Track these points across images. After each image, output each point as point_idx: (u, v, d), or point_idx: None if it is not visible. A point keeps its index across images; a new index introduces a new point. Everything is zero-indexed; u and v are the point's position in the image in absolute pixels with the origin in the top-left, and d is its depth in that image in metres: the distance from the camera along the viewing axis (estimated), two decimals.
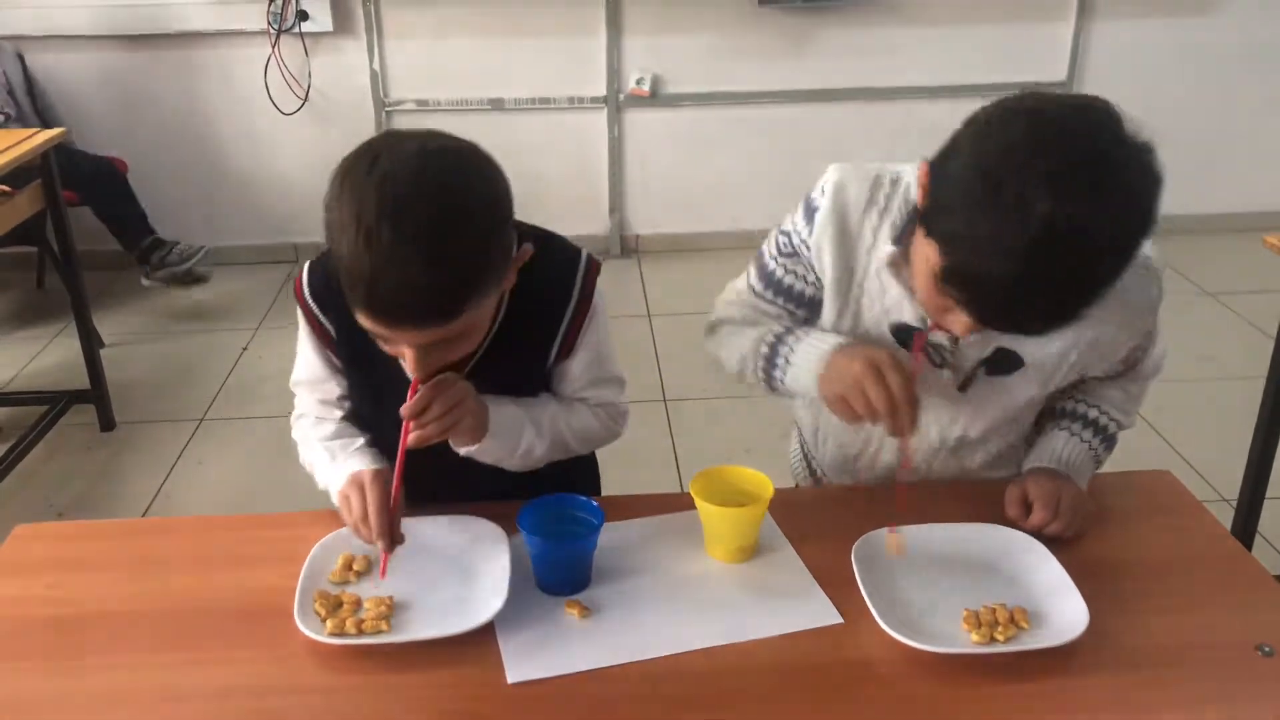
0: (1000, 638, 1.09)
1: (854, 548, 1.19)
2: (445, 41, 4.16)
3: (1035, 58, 4.27)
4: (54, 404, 3.12)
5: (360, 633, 1.11)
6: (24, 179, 2.93)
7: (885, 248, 1.24)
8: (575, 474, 1.42)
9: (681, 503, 1.29)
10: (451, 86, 4.22)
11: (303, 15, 4.03)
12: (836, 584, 1.17)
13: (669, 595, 1.18)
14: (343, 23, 4.10)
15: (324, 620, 1.12)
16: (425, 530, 1.26)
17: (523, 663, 1.08)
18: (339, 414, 1.35)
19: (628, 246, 4.50)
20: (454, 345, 1.12)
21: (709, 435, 3.07)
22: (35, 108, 3.87)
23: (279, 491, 1.53)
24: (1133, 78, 4.29)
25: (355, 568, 1.21)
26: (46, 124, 3.67)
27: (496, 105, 4.25)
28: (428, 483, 1.25)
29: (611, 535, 1.23)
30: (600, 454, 1.49)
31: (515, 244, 1.15)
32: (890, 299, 1.27)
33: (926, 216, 1.08)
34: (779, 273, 1.35)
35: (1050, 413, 1.41)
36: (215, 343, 3.74)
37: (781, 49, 4.22)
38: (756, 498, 1.24)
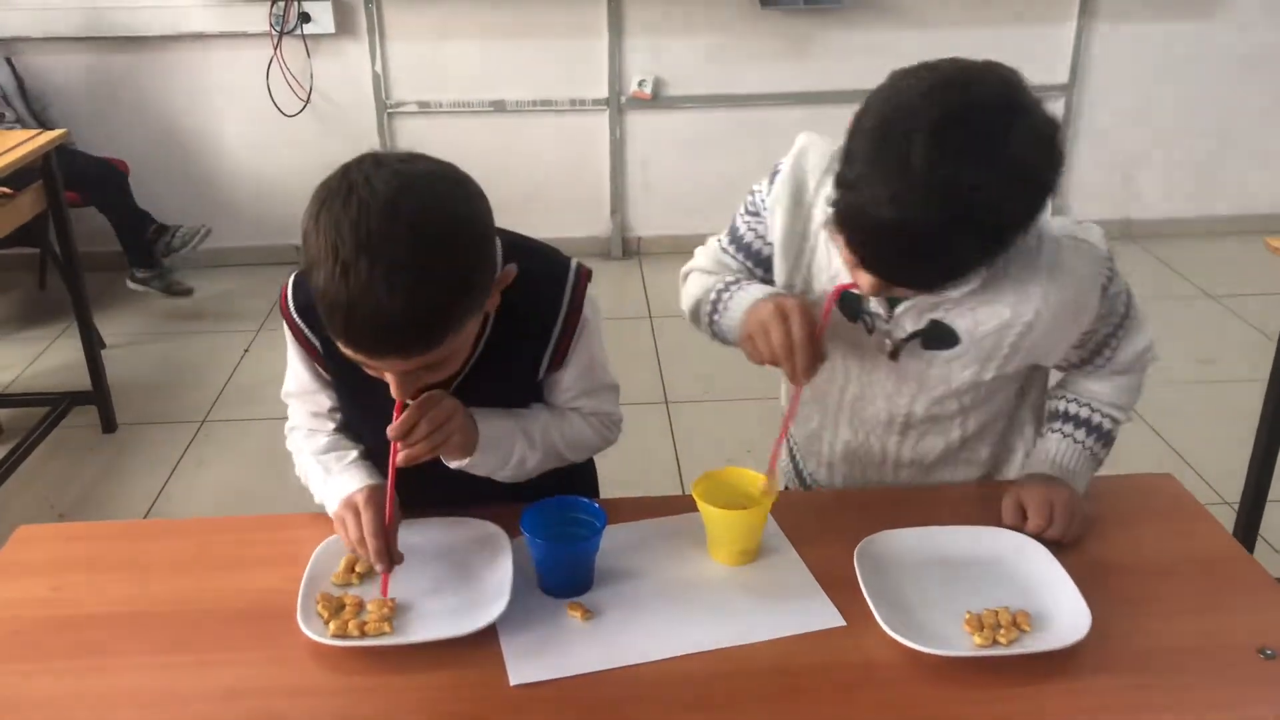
0: (1002, 640, 1.09)
1: (856, 550, 1.18)
2: (447, 43, 4.16)
3: (1037, 60, 4.26)
4: (55, 405, 3.12)
5: (363, 634, 1.11)
6: (26, 180, 2.94)
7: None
8: (572, 478, 1.41)
9: (683, 505, 1.29)
10: (453, 88, 4.23)
11: (305, 17, 4.04)
12: (839, 587, 1.17)
13: (671, 598, 1.18)
14: (345, 25, 4.11)
15: (326, 622, 1.12)
16: (428, 533, 1.26)
17: (525, 665, 1.08)
18: (331, 426, 1.35)
19: (629, 248, 4.51)
20: (437, 369, 1.12)
21: (710, 437, 3.07)
22: (30, 110, 3.87)
23: (280, 493, 1.52)
24: (1134, 81, 4.29)
25: (358, 570, 1.21)
26: (43, 126, 3.67)
27: (498, 107, 4.25)
28: (428, 490, 1.25)
29: (614, 538, 1.23)
30: (600, 457, 1.49)
31: (499, 262, 1.14)
32: (837, 264, 1.28)
33: (838, 168, 1.11)
34: (742, 229, 1.41)
35: (1047, 416, 1.41)
36: (216, 344, 3.74)
37: (783, 51, 4.23)
38: (759, 500, 1.24)
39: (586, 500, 1.23)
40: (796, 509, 1.32)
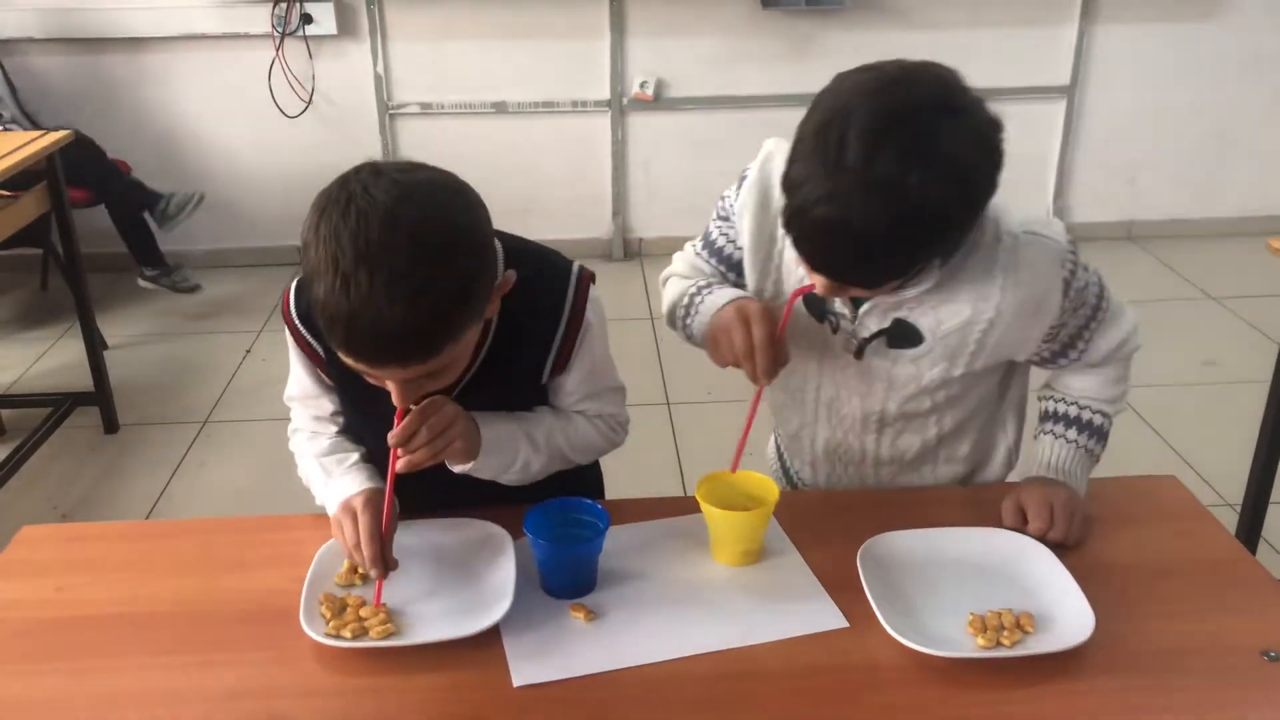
0: (1006, 642, 1.09)
1: (860, 552, 1.19)
2: (449, 45, 4.17)
3: (1038, 62, 4.27)
4: (58, 406, 3.13)
5: (366, 635, 1.11)
6: (29, 182, 2.94)
7: None
8: (578, 479, 1.41)
9: (686, 506, 1.29)
10: (455, 90, 4.23)
11: (307, 18, 4.04)
12: (842, 588, 1.17)
13: (674, 599, 1.18)
14: (347, 26, 4.11)
15: (329, 623, 1.12)
16: (431, 534, 1.26)
17: (528, 666, 1.08)
18: (333, 429, 1.35)
19: (630, 250, 4.51)
20: (438, 377, 1.11)
21: (712, 438, 3.07)
22: (24, 112, 3.87)
23: (282, 494, 1.52)
24: (1136, 82, 4.29)
25: (361, 571, 1.21)
26: (37, 128, 3.67)
27: (500, 109, 4.26)
28: (431, 492, 1.25)
29: (616, 539, 1.23)
30: (603, 459, 1.49)
31: (499, 268, 1.14)
32: (804, 269, 1.28)
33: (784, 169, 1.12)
34: (714, 234, 1.42)
35: (1038, 418, 1.41)
36: (219, 345, 3.74)
37: (785, 52, 4.22)
38: (762, 501, 1.24)
39: (589, 501, 1.23)
40: (799, 510, 1.32)
